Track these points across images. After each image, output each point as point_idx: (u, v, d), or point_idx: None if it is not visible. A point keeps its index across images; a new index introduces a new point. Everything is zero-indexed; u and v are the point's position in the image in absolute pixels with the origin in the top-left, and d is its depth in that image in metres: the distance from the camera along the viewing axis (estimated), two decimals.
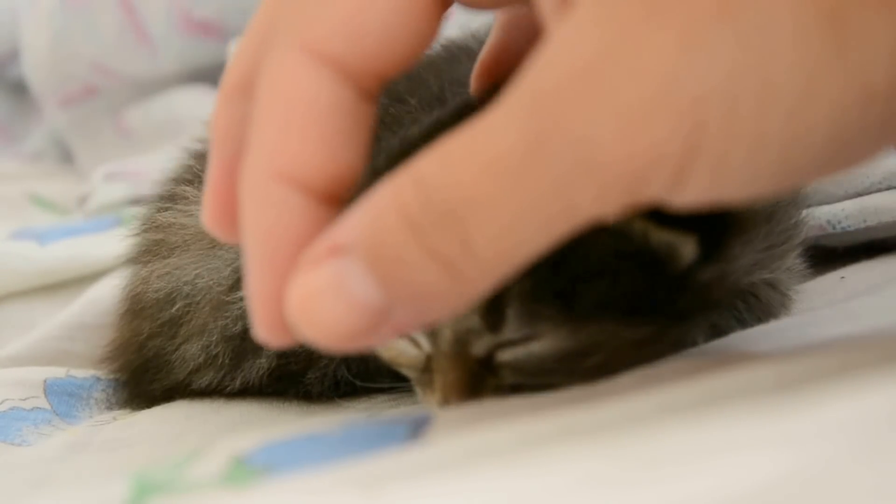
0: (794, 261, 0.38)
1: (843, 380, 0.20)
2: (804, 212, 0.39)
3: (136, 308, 0.44)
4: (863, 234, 0.46)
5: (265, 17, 0.25)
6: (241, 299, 0.40)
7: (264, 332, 0.23)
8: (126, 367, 0.44)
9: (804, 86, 0.19)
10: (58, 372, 0.47)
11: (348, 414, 0.38)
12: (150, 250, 0.45)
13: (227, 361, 0.40)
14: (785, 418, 0.19)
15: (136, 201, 0.67)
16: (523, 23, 0.28)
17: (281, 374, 0.40)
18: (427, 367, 0.30)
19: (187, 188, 0.45)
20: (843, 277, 0.43)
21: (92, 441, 0.39)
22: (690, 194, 0.20)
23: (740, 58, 0.19)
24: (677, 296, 0.28)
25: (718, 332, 0.34)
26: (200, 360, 0.41)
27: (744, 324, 0.35)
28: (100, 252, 0.58)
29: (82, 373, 0.47)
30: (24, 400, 0.45)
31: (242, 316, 0.40)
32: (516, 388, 0.28)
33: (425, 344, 0.30)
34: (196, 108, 0.81)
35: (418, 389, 0.31)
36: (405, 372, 0.32)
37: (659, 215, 0.25)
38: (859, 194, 0.46)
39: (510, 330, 0.28)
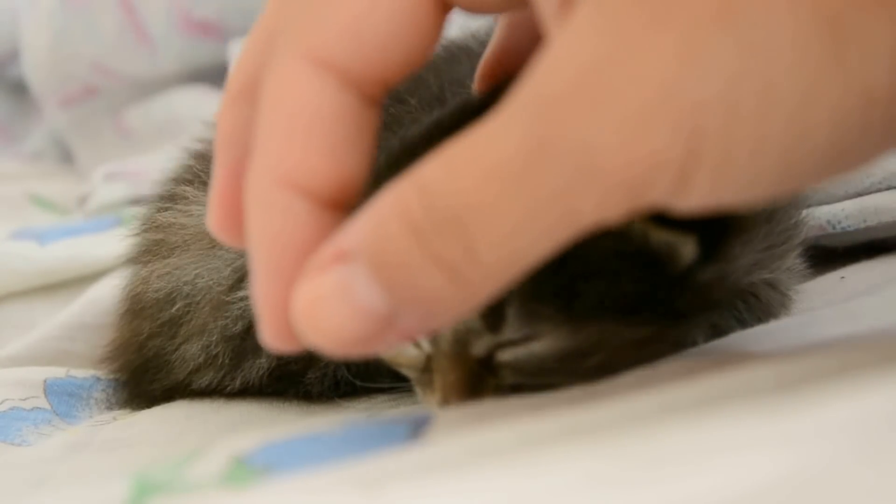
0: (794, 261, 0.38)
1: (843, 380, 0.20)
2: (804, 212, 0.39)
3: (136, 308, 0.44)
4: (863, 234, 0.46)
5: (268, 20, 0.25)
6: (241, 299, 0.40)
7: (271, 337, 0.23)
8: (126, 367, 0.44)
9: (804, 90, 0.19)
10: (58, 372, 0.47)
11: (348, 414, 0.38)
12: (150, 250, 0.45)
13: (227, 361, 0.41)
14: (785, 418, 0.19)
15: (136, 201, 0.67)
16: (526, 24, 0.28)
17: (281, 374, 0.40)
18: (427, 367, 0.30)
19: (187, 188, 0.45)
20: (843, 277, 0.43)
21: (92, 441, 0.39)
22: (693, 199, 0.20)
23: (740, 63, 0.19)
24: (677, 296, 0.28)
25: (718, 332, 0.34)
26: (200, 360, 0.41)
27: (744, 324, 0.35)
28: (100, 252, 0.58)
29: (82, 373, 0.47)
30: (24, 400, 0.45)
31: (242, 316, 0.40)
32: (516, 388, 0.28)
33: (425, 344, 0.30)
34: (196, 108, 0.81)
35: (418, 389, 0.31)
36: (405, 372, 0.32)
37: (659, 215, 0.25)
38: (859, 194, 0.46)
39: (510, 330, 0.28)
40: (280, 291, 0.23)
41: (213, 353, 0.41)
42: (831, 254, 0.46)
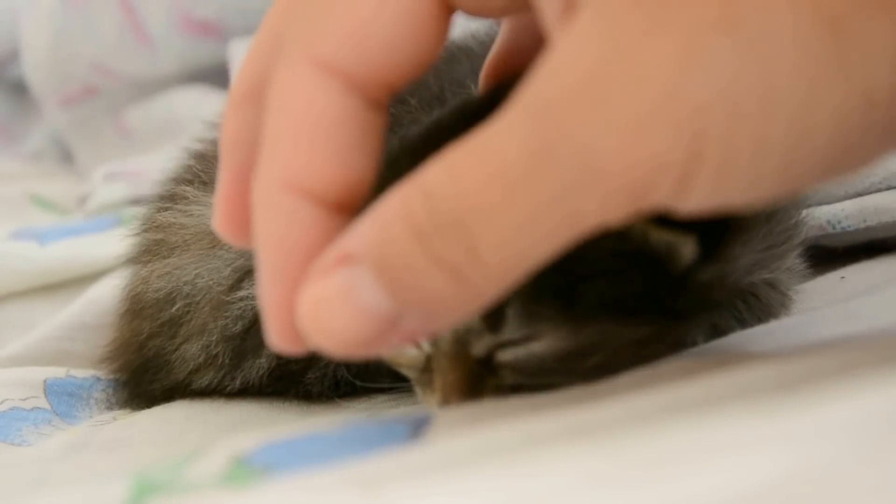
0: (794, 261, 0.38)
1: (843, 380, 0.20)
2: (804, 212, 0.39)
3: (136, 308, 0.44)
4: (863, 234, 0.46)
5: (274, 22, 0.25)
6: (241, 299, 0.40)
7: (277, 340, 0.24)
8: (126, 367, 0.44)
9: (805, 92, 0.19)
10: (58, 372, 0.47)
11: (348, 414, 0.38)
12: (150, 250, 0.45)
13: (227, 361, 0.41)
14: (785, 418, 0.19)
15: (136, 201, 0.67)
16: (530, 25, 0.28)
17: (281, 374, 0.40)
18: (427, 367, 0.30)
19: (187, 188, 0.45)
20: (843, 277, 0.43)
21: (92, 441, 0.39)
22: (695, 200, 0.20)
23: (741, 66, 0.19)
24: (677, 296, 0.28)
25: (718, 332, 0.34)
26: (200, 360, 0.41)
27: (744, 324, 0.35)
28: (100, 252, 0.58)
29: (82, 373, 0.47)
30: (24, 400, 0.45)
31: (242, 316, 0.40)
32: (516, 389, 0.28)
33: (425, 344, 0.30)
34: (196, 108, 0.81)
35: (418, 389, 0.31)
36: (405, 372, 0.32)
37: (659, 216, 0.25)
38: (859, 194, 0.46)
39: (510, 330, 0.28)
40: (286, 294, 0.23)
41: (213, 353, 0.41)
42: (831, 254, 0.46)
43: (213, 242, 0.42)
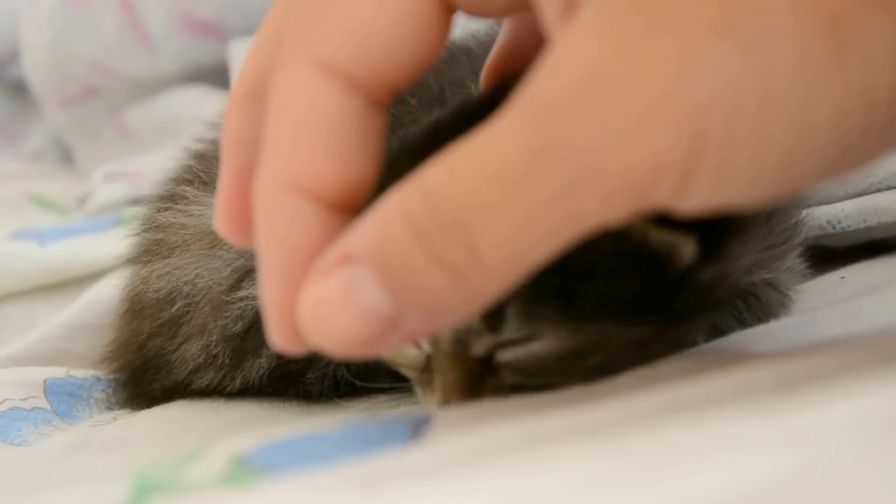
0: (794, 261, 0.38)
1: (843, 380, 0.20)
2: (804, 212, 0.39)
3: (136, 308, 0.44)
4: (863, 234, 0.46)
5: (275, 21, 0.25)
6: (241, 299, 0.40)
7: (278, 339, 0.24)
8: (126, 367, 0.44)
9: (805, 91, 0.19)
10: (58, 372, 0.47)
11: (348, 414, 0.38)
12: (150, 250, 0.45)
13: (227, 361, 0.41)
14: (785, 418, 0.19)
15: (136, 201, 0.67)
16: (531, 25, 0.28)
17: (281, 374, 0.40)
18: (427, 367, 0.30)
19: (187, 188, 0.45)
20: (843, 277, 0.43)
21: (92, 441, 0.39)
22: (695, 200, 0.20)
23: (741, 66, 0.19)
24: (677, 296, 0.28)
25: (718, 332, 0.34)
26: (200, 359, 0.41)
27: (744, 324, 0.35)
28: (100, 252, 0.58)
29: (82, 373, 0.47)
30: (24, 400, 0.45)
31: (242, 316, 0.40)
32: (516, 389, 0.28)
33: (425, 344, 0.30)
34: (196, 108, 0.81)
35: (418, 389, 0.31)
36: (405, 372, 0.32)
37: (659, 216, 0.25)
38: (859, 194, 0.46)
39: (510, 330, 0.28)
40: (287, 294, 0.23)
41: (213, 352, 0.41)
42: (831, 254, 0.46)
43: (213, 242, 0.42)
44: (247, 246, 0.26)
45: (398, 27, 0.23)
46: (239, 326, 0.40)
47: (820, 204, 0.46)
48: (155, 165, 0.55)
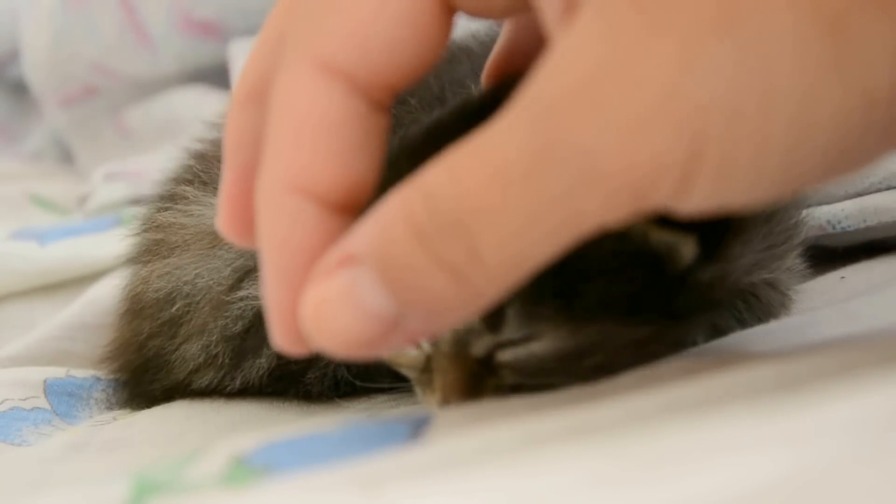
0: (794, 261, 0.38)
1: (843, 380, 0.20)
2: (804, 212, 0.39)
3: (136, 308, 0.44)
4: (863, 234, 0.46)
5: (277, 21, 0.25)
6: (241, 299, 0.40)
7: (281, 341, 0.24)
8: (126, 367, 0.44)
9: (805, 92, 0.19)
10: (58, 372, 0.47)
11: (348, 414, 0.38)
12: (150, 250, 0.45)
13: (227, 361, 0.41)
14: (785, 418, 0.19)
15: (136, 201, 0.67)
16: (532, 25, 0.28)
17: (281, 374, 0.40)
18: (427, 367, 0.30)
19: (187, 188, 0.45)
20: (843, 277, 0.43)
21: (92, 441, 0.39)
22: (695, 201, 0.20)
23: (741, 66, 0.19)
24: (677, 296, 0.28)
25: (718, 332, 0.34)
26: (200, 359, 0.41)
27: (744, 324, 0.35)
28: (100, 252, 0.58)
29: (82, 373, 0.47)
30: (24, 400, 0.45)
31: (242, 316, 0.40)
32: (516, 389, 0.28)
33: (425, 344, 0.30)
34: (196, 108, 0.81)
35: (418, 389, 0.31)
36: (405, 372, 0.32)
37: (659, 216, 0.25)
38: (859, 194, 0.46)
39: (510, 330, 0.28)
40: (289, 295, 0.23)
41: (213, 352, 0.41)
42: (831, 254, 0.46)
43: (214, 242, 0.42)
44: (248, 246, 0.26)
45: (399, 28, 0.23)
46: (239, 326, 0.40)
47: (820, 204, 0.46)
48: (155, 165, 0.55)
